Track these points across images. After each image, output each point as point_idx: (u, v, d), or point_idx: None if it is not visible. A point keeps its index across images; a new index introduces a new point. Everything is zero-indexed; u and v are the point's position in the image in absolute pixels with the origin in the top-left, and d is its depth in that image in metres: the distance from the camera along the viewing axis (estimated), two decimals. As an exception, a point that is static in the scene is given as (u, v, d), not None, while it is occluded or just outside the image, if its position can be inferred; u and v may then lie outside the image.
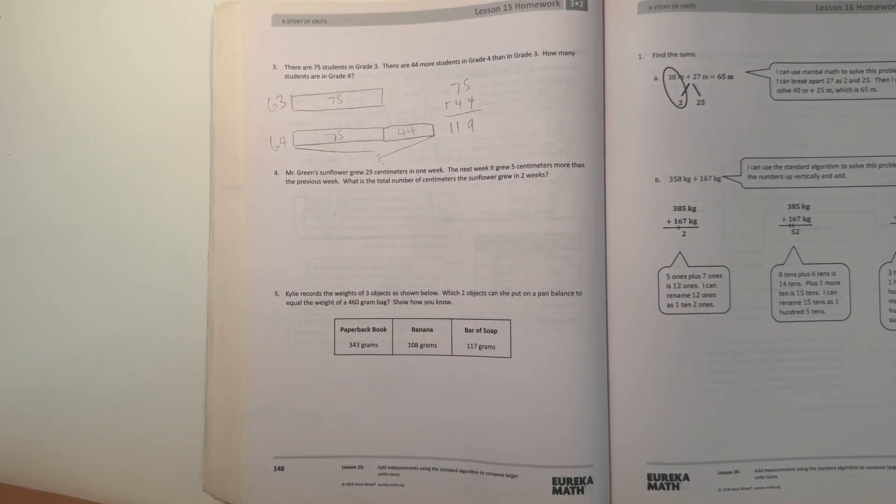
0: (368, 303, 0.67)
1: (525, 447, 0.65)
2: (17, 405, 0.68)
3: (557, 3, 0.66)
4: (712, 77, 0.66)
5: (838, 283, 0.66)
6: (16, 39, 0.70)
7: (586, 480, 0.65)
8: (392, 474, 0.67)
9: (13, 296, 0.69)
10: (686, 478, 0.65)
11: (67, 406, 0.68)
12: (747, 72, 0.66)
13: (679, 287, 0.65)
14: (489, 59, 0.66)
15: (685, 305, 0.65)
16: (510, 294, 0.66)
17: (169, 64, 0.70)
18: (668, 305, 0.65)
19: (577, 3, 0.66)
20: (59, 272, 0.69)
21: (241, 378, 0.67)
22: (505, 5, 0.67)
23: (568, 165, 0.65)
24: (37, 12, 0.70)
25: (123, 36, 0.70)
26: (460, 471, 0.66)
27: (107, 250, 0.69)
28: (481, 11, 0.67)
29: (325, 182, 0.68)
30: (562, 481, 0.65)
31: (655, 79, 0.65)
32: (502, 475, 0.66)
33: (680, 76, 0.65)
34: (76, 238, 0.69)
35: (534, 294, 0.66)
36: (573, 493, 0.65)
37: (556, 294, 0.65)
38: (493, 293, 0.66)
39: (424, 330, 0.67)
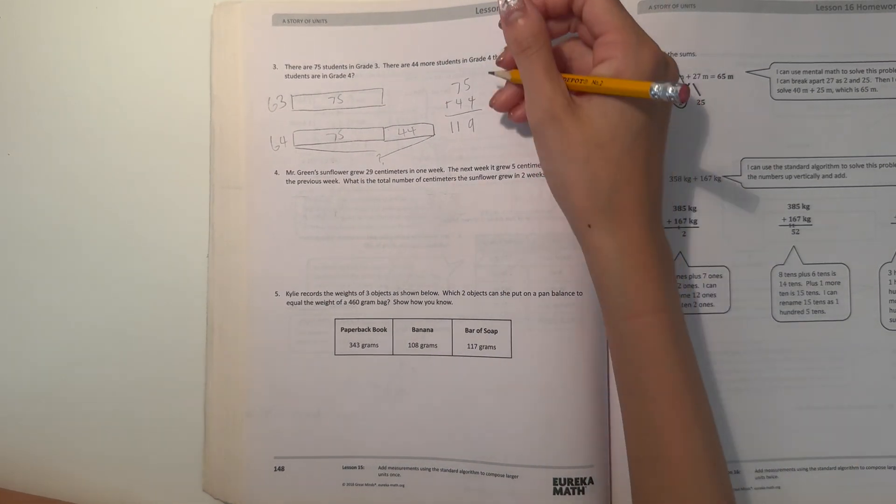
0: (369, 303, 0.67)
1: (525, 447, 0.66)
2: (17, 405, 0.68)
3: None
4: (712, 77, 0.66)
5: (839, 283, 0.66)
6: (16, 39, 0.70)
7: (587, 481, 0.65)
8: (392, 475, 0.67)
9: (13, 296, 0.69)
10: (686, 477, 0.65)
11: (67, 406, 0.68)
12: (748, 71, 0.66)
13: (679, 287, 0.65)
14: (490, 58, 0.66)
15: (685, 305, 0.65)
16: (511, 294, 0.66)
17: (169, 63, 0.70)
18: (669, 305, 0.65)
19: (578, 3, 0.66)
20: (59, 272, 0.69)
21: (241, 378, 0.67)
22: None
23: (568, 165, 0.65)
24: (37, 13, 0.70)
25: (123, 35, 0.70)
26: (461, 471, 0.66)
27: (107, 250, 0.69)
28: (481, 10, 0.67)
29: (325, 182, 0.68)
30: (562, 482, 0.65)
31: (656, 78, 0.66)
32: (503, 476, 0.66)
33: (680, 76, 0.65)
34: (76, 238, 0.69)
35: (534, 294, 0.66)
36: (574, 493, 0.65)
37: (557, 294, 0.65)
38: (494, 293, 0.66)
39: (425, 330, 0.67)
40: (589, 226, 0.57)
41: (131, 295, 0.69)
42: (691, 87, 0.66)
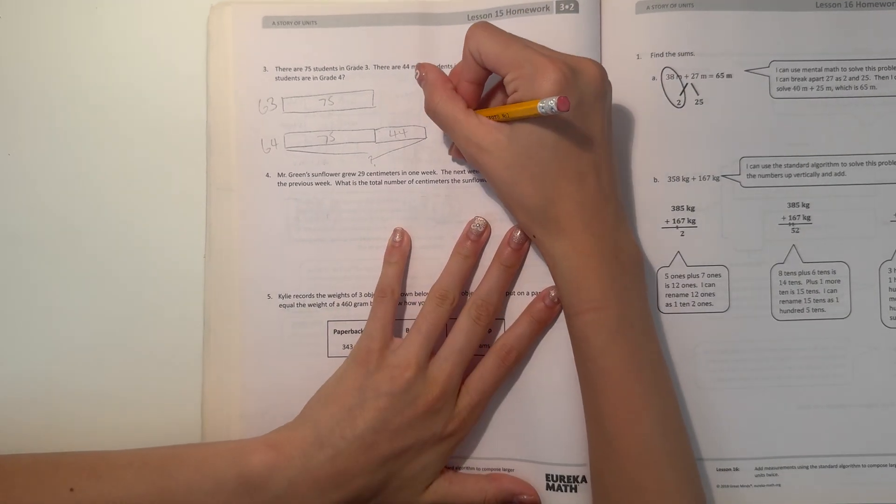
0: (362, 304, 0.67)
1: (520, 443, 0.66)
2: (15, 406, 0.68)
3: (547, 8, 0.66)
4: (711, 76, 0.65)
5: (838, 281, 0.66)
6: (15, 40, 0.69)
7: (579, 479, 0.64)
8: (387, 474, 0.66)
9: (11, 296, 0.68)
10: (684, 476, 0.65)
11: (64, 406, 0.68)
12: (746, 70, 0.66)
13: (677, 287, 0.65)
14: None
15: (684, 305, 0.65)
16: (507, 293, 0.66)
17: (170, 64, 0.69)
18: (667, 305, 0.65)
19: (567, 7, 0.65)
20: (58, 272, 0.68)
21: (235, 380, 0.67)
22: (496, 11, 0.67)
23: (564, 166, 0.64)
24: (37, 14, 0.69)
25: (123, 35, 0.69)
26: (455, 467, 0.66)
27: (106, 250, 0.68)
28: (473, 17, 0.67)
29: (317, 184, 0.67)
30: (555, 478, 0.65)
31: (653, 79, 0.65)
32: (498, 469, 0.66)
33: (678, 76, 0.65)
34: (77, 238, 0.68)
35: (527, 293, 0.66)
36: (566, 490, 0.65)
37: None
38: (489, 293, 0.66)
39: (420, 331, 0.66)
40: (534, 236, 0.62)
41: (131, 295, 0.68)
42: (689, 86, 0.65)
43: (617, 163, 0.62)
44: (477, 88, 0.63)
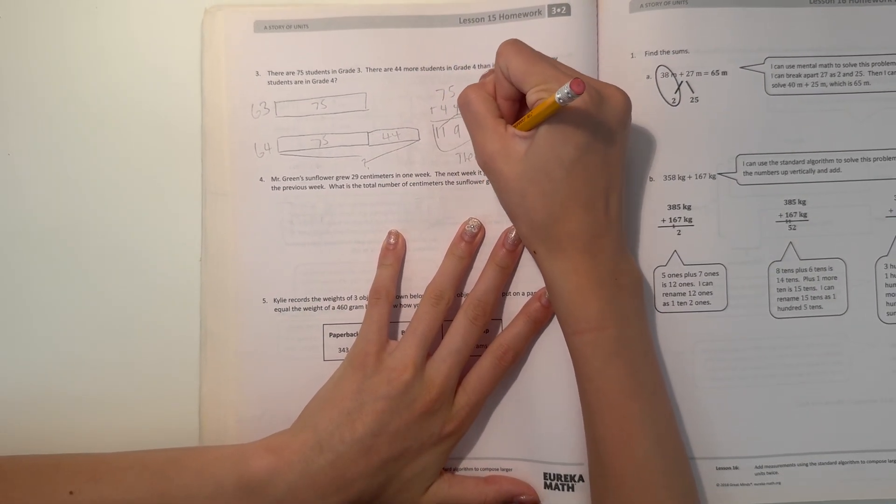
0: (357, 307, 0.67)
1: (518, 442, 0.66)
2: (13, 408, 0.68)
3: (539, 12, 0.66)
4: (706, 73, 0.65)
5: (835, 277, 0.65)
6: (14, 42, 0.69)
7: (576, 478, 0.65)
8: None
9: (9, 296, 0.68)
10: (683, 475, 0.65)
11: (62, 409, 0.68)
12: (741, 67, 0.65)
13: (675, 286, 0.65)
14: (475, 67, 0.66)
15: (681, 304, 0.65)
16: (503, 294, 0.66)
17: (167, 66, 0.69)
18: (665, 304, 0.65)
19: (558, 10, 0.66)
20: (57, 273, 0.68)
21: (232, 384, 0.67)
22: (489, 15, 0.67)
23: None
24: (36, 16, 0.69)
25: (121, 35, 0.69)
26: (453, 469, 0.66)
27: (105, 251, 0.68)
28: (465, 21, 0.67)
29: (310, 188, 0.67)
30: (552, 477, 0.65)
31: (648, 77, 0.65)
32: (497, 469, 0.66)
33: (673, 74, 0.65)
34: (75, 238, 0.68)
35: (523, 294, 0.66)
36: (564, 489, 0.65)
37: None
38: (486, 294, 0.66)
39: (415, 333, 0.66)
40: (535, 252, 0.62)
41: (127, 299, 0.68)
42: (684, 84, 0.65)
43: (625, 193, 0.63)
44: (512, 105, 0.62)
